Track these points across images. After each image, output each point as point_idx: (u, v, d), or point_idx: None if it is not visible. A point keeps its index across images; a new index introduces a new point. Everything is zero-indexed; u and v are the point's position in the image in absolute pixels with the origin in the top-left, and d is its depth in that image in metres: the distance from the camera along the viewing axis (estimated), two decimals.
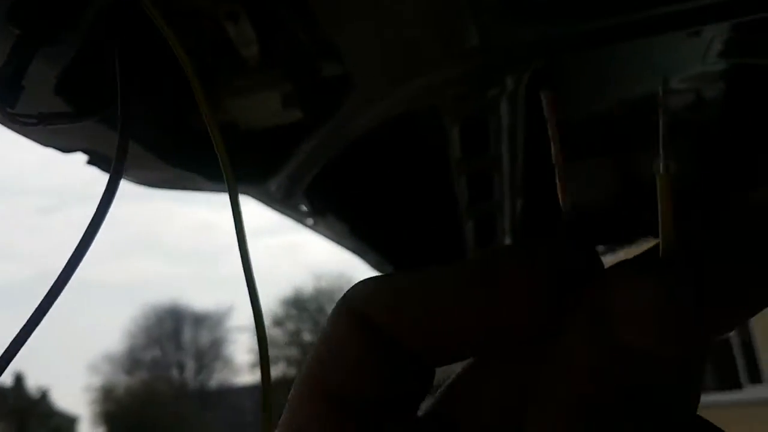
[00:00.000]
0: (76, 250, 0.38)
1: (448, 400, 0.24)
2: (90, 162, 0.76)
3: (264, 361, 0.39)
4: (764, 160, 1.27)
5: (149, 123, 0.78)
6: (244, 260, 0.37)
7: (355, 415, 0.22)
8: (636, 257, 0.23)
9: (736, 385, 10.23)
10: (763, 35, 0.98)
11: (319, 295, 31.84)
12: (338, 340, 0.23)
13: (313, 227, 1.21)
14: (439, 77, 0.88)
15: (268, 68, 0.79)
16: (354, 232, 1.42)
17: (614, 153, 1.42)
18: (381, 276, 0.24)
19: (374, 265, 1.54)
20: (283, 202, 1.02)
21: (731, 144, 1.35)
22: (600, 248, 1.62)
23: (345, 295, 0.23)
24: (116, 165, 0.44)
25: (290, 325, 31.46)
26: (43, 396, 32.16)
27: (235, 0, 0.67)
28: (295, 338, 31.85)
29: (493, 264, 0.23)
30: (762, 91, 1.20)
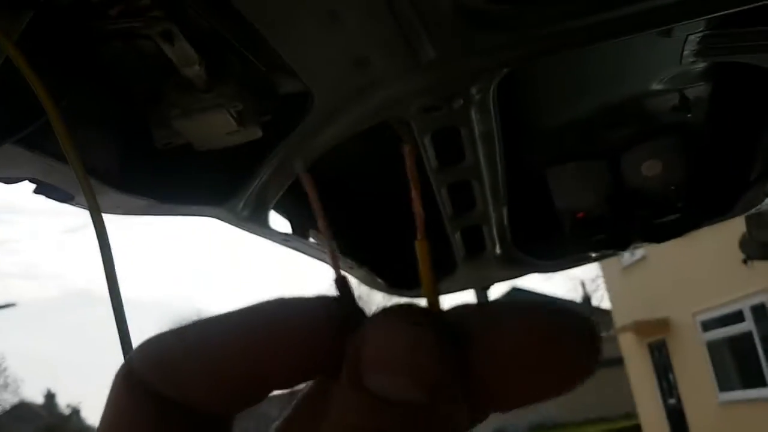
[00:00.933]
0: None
1: None
2: (36, 191, 0.75)
3: None
4: (752, 157, 1.23)
5: (97, 155, 0.77)
6: (109, 279, 0.35)
7: None
8: (394, 306, 0.22)
9: (761, 383, 10.06)
10: (742, 33, 0.95)
11: None
12: (116, 401, 0.22)
13: (292, 246, 1.19)
14: (398, 91, 0.86)
15: (217, 86, 0.77)
16: (342, 250, 1.40)
17: (601, 155, 1.39)
18: (168, 332, 0.22)
19: (363, 280, 1.52)
20: (251, 221, 1.00)
21: (718, 142, 1.32)
22: (599, 252, 1.58)
23: (128, 355, 0.22)
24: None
25: None
26: (74, 412, 32.51)
27: (167, 20, 0.65)
28: None
29: (267, 314, 0.22)
30: (748, 88, 1.17)
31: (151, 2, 0.65)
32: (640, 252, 13.22)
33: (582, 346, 0.22)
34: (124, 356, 0.32)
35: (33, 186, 0.75)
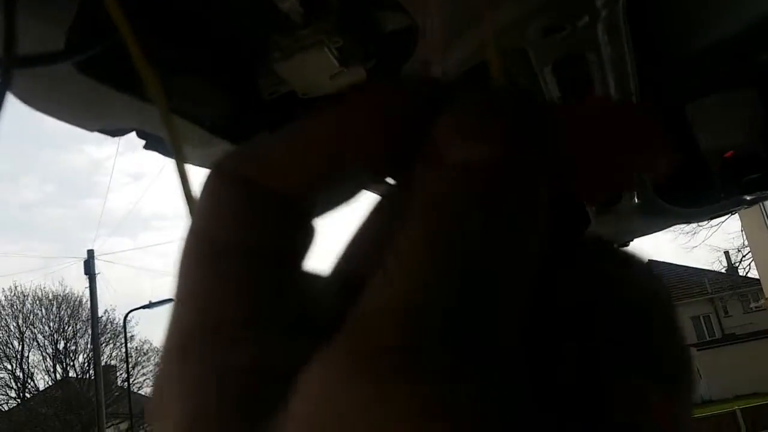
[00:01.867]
0: None
1: (345, 255, 0.24)
2: (146, 146, 0.73)
3: None
4: None
5: (204, 104, 0.74)
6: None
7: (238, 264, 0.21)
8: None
9: None
10: None
11: None
12: (211, 196, 0.22)
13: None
14: (513, 13, 0.77)
15: (315, 23, 0.72)
16: None
17: (749, 83, 1.22)
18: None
19: None
20: None
21: None
22: (754, 195, 1.41)
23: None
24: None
25: None
26: None
27: None
28: None
29: (347, 101, 0.22)
30: None
31: None
32: None
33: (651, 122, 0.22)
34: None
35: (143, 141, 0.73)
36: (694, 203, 1.37)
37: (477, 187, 0.18)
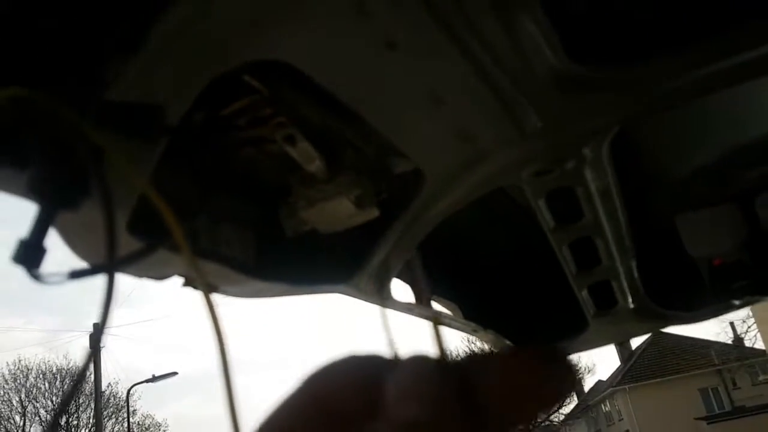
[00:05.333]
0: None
1: None
2: (185, 284, 0.82)
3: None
4: None
5: (236, 248, 0.83)
6: (222, 357, 0.38)
7: None
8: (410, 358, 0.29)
9: None
10: None
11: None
12: None
13: (415, 314, 1.21)
14: (507, 160, 0.87)
15: (337, 177, 0.82)
16: (465, 314, 1.40)
17: (732, 199, 1.32)
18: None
19: (490, 342, 1.51)
20: (375, 294, 1.04)
21: None
22: (743, 300, 1.49)
23: None
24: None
25: None
26: None
27: (289, 125, 0.71)
28: None
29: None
30: None
31: (273, 110, 0.71)
32: None
33: (558, 368, 0.28)
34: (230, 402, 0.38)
35: (183, 280, 0.82)
36: (686, 308, 1.45)
37: None
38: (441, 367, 0.28)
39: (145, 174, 0.53)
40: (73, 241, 0.58)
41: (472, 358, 0.29)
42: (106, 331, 0.43)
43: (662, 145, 1.21)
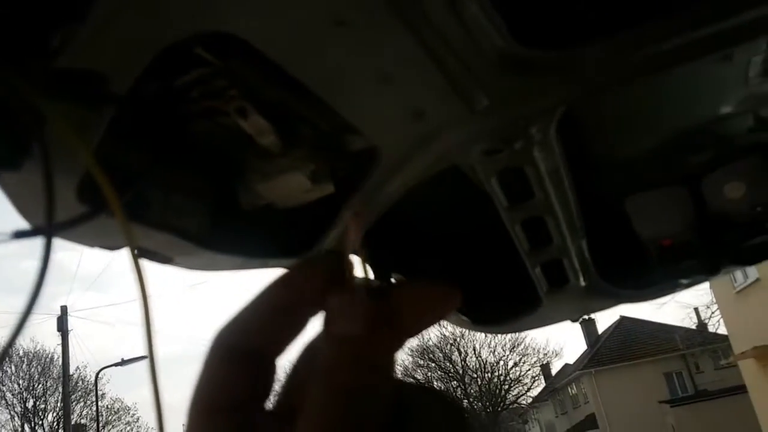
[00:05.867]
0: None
1: (285, 393, 0.36)
2: (140, 255, 0.84)
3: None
4: None
5: (190, 220, 0.85)
6: (145, 317, 0.40)
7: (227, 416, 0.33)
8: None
9: None
10: None
11: (445, 342, 31.73)
12: (207, 366, 0.34)
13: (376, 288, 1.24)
14: (458, 138, 0.91)
15: (291, 151, 0.85)
16: None
17: (680, 181, 1.37)
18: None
19: (448, 318, 1.55)
20: None
21: None
22: (691, 279, 1.55)
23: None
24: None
25: (419, 375, 31.37)
26: None
27: (241, 98, 0.73)
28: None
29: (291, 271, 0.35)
30: None
31: (226, 83, 0.73)
32: (753, 274, 12.46)
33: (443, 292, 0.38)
34: (155, 388, 0.41)
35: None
36: (635, 286, 1.51)
37: (348, 350, 0.32)
38: (368, 291, 0.35)
39: (91, 141, 0.55)
40: (20, 204, 0.60)
41: (385, 287, 0.36)
42: (39, 294, 0.45)
43: (611, 128, 1.25)
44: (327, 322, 0.34)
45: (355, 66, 0.73)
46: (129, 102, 0.58)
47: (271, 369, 0.35)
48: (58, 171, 0.57)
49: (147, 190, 0.76)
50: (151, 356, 0.39)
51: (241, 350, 0.34)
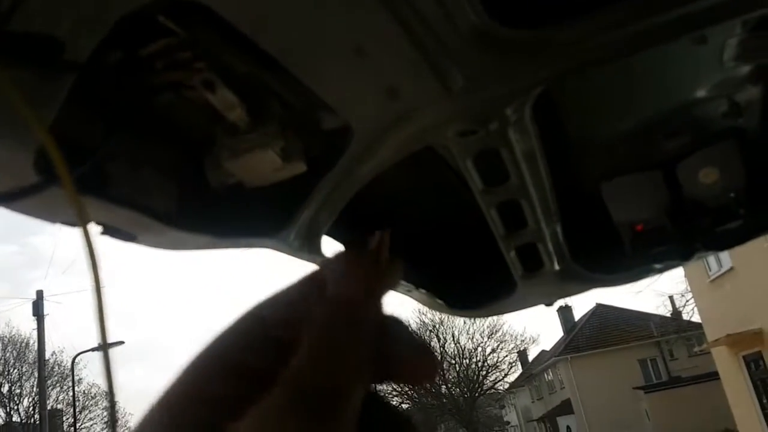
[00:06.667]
0: None
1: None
2: (103, 233, 0.82)
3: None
4: None
5: (157, 197, 0.83)
6: (97, 295, 0.39)
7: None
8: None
9: None
10: None
11: (424, 329, 31.83)
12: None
13: None
14: (433, 118, 0.89)
15: (260, 127, 0.83)
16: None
17: (655, 166, 1.37)
18: None
19: (423, 301, 1.55)
20: (304, 250, 1.05)
21: None
22: (663, 264, 1.55)
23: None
24: None
25: None
26: None
27: (207, 70, 0.71)
28: None
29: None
30: None
31: (192, 55, 0.71)
32: (727, 263, 12.65)
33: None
34: (105, 358, 0.40)
35: (100, 228, 0.82)
36: (608, 270, 1.51)
37: (342, 311, 0.38)
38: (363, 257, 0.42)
39: (49, 109, 0.53)
40: None
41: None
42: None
43: (587, 112, 1.25)
44: (328, 282, 0.39)
45: (326, 38, 0.71)
46: (89, 71, 0.56)
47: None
48: (14, 140, 0.55)
49: (110, 164, 0.74)
50: (103, 335, 0.37)
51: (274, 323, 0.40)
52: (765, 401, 13.16)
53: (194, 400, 0.36)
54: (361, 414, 0.36)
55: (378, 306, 0.41)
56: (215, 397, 0.36)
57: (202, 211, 0.88)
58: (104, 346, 0.36)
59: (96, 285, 0.37)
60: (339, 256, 0.40)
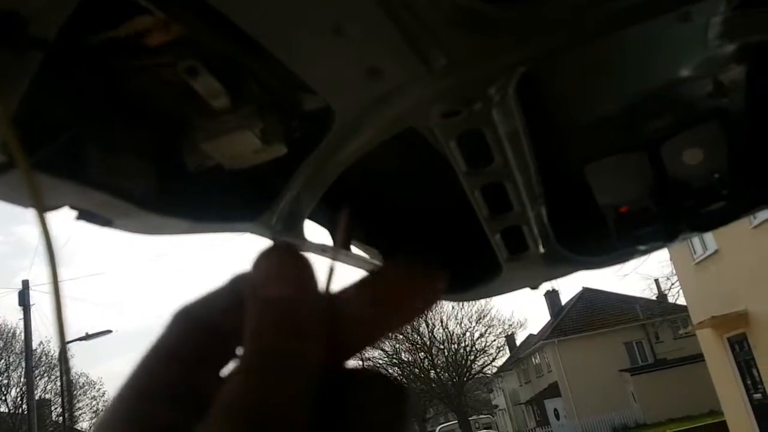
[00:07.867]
0: None
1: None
2: (78, 217, 0.80)
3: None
4: None
5: (134, 181, 0.81)
6: (54, 281, 0.38)
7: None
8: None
9: None
10: (763, 12, 0.93)
11: None
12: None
13: (330, 256, 1.22)
14: (415, 98, 0.88)
15: (239, 109, 0.81)
16: (384, 257, 1.42)
17: (639, 147, 1.37)
18: None
19: None
20: (286, 234, 1.04)
21: (761, 126, 1.28)
22: (647, 246, 1.55)
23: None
24: None
25: (388, 348, 31.70)
26: None
27: (191, 57, 0.69)
28: (394, 358, 32.20)
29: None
30: None
31: (169, 37, 0.69)
32: (712, 246, 12.75)
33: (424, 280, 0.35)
34: (60, 334, 0.38)
35: (75, 213, 0.80)
36: (593, 253, 1.51)
37: (272, 313, 0.32)
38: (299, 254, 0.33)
39: (14, 88, 0.51)
40: None
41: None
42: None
43: (571, 93, 1.24)
44: (254, 285, 0.33)
45: (304, 16, 0.70)
46: (58, 49, 0.55)
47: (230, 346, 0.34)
48: None
49: (84, 147, 0.73)
50: (59, 318, 0.36)
51: (206, 324, 0.34)
52: (749, 382, 13.34)
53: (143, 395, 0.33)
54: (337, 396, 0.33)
55: (320, 297, 0.33)
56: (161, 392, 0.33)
57: (181, 195, 0.87)
58: (60, 324, 0.35)
59: (52, 268, 0.36)
60: (263, 254, 0.34)
